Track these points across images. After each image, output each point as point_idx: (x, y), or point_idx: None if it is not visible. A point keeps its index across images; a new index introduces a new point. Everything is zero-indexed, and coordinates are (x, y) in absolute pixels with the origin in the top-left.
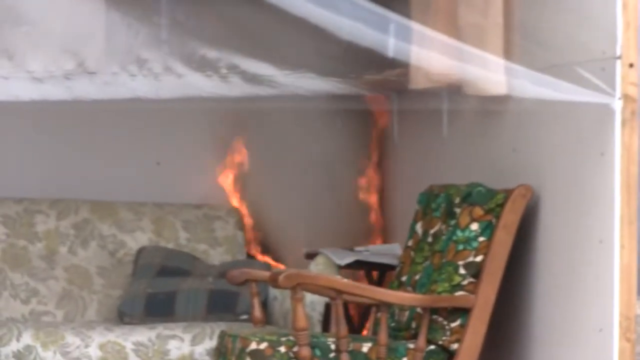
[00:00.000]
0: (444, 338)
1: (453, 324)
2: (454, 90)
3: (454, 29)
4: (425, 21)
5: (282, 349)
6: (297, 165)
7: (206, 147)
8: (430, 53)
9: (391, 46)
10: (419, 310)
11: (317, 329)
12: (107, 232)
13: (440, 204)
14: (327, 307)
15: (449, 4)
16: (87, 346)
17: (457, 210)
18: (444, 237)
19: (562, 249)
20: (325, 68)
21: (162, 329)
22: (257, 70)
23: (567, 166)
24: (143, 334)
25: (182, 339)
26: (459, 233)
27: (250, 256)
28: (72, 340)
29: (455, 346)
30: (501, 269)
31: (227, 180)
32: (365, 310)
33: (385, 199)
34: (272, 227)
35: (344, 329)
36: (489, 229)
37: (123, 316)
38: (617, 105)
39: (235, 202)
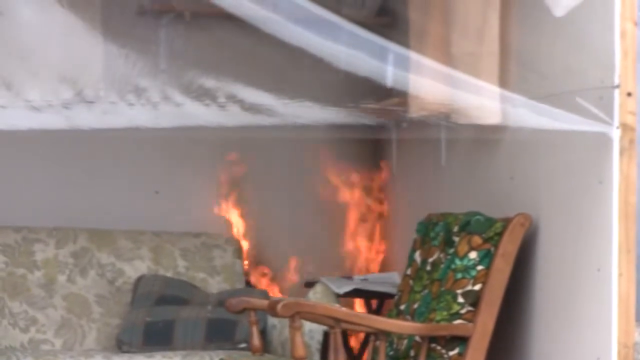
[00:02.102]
0: None
1: (451, 353)
2: (452, 119)
3: (450, 58)
4: (424, 51)
5: None
6: (296, 194)
7: (204, 176)
8: (427, 82)
9: (389, 75)
10: (417, 338)
11: (316, 357)
12: (105, 261)
13: (438, 232)
14: (326, 335)
15: (445, 33)
16: None
17: (456, 238)
18: (442, 266)
19: (560, 277)
20: (324, 97)
21: (160, 357)
22: (255, 100)
23: (565, 194)
24: None
25: None
26: (458, 262)
27: (248, 285)
28: None
29: None
30: (499, 297)
31: (225, 208)
32: (364, 339)
33: (384, 228)
34: (271, 256)
35: (342, 357)
36: (487, 258)
37: (122, 345)
38: (615, 134)
39: (233, 231)
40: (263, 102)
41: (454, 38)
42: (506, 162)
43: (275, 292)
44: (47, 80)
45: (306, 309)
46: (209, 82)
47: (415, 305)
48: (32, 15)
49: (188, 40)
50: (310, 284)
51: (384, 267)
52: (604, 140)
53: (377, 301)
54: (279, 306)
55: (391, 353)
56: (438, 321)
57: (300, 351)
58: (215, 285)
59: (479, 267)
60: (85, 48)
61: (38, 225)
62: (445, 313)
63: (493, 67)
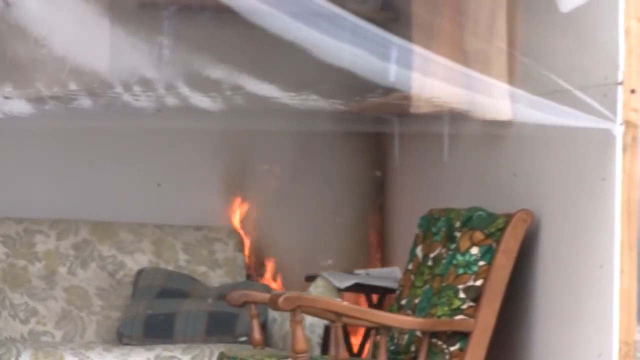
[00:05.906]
0: None
1: (452, 348)
2: (456, 114)
3: (457, 54)
4: (428, 46)
5: None
6: (298, 188)
7: (207, 168)
8: (433, 79)
9: (393, 72)
10: (418, 333)
11: (317, 351)
12: (106, 253)
13: (440, 227)
14: (327, 329)
15: (452, 29)
16: None
17: (458, 234)
18: (444, 261)
19: (562, 274)
20: (328, 90)
21: (161, 350)
22: (260, 92)
23: (567, 191)
24: (142, 355)
25: None
26: (459, 257)
27: (250, 278)
28: None
29: None
30: (501, 293)
31: (227, 202)
32: (365, 334)
33: (385, 223)
34: (273, 250)
35: (343, 351)
36: (489, 253)
37: (122, 337)
38: (619, 131)
39: (235, 224)
40: (268, 94)
41: (462, 35)
42: (509, 158)
43: (276, 286)
44: (52, 71)
45: (307, 303)
46: (215, 74)
47: (417, 300)
48: (40, 6)
49: (194, 33)
50: (311, 278)
51: (386, 262)
52: (607, 137)
53: (378, 296)
54: (280, 300)
55: (392, 348)
56: (439, 316)
57: (301, 345)
58: (216, 278)
59: (481, 263)
60: (91, 39)
61: (39, 217)
62: (446, 308)
63: (502, 64)
